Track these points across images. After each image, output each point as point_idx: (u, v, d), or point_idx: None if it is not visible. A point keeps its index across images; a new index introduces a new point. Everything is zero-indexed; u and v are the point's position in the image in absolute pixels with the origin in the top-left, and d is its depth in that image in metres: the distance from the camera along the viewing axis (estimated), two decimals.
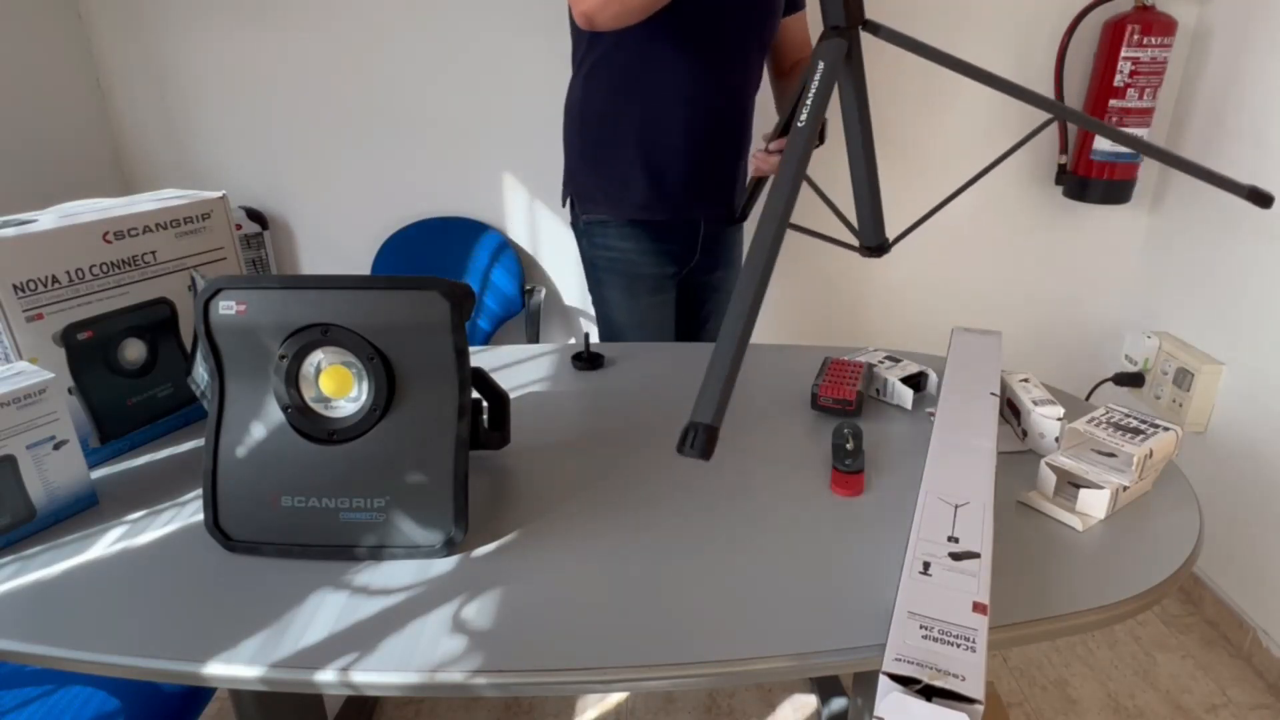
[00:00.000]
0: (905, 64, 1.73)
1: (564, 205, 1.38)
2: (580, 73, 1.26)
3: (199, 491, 0.77)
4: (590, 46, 1.22)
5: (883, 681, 0.50)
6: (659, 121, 1.22)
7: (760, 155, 1.20)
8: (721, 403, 0.63)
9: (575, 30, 1.23)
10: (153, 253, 0.87)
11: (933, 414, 0.84)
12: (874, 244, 1.00)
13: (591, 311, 1.97)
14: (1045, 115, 0.92)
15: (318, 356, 0.67)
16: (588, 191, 1.31)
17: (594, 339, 1.16)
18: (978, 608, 0.55)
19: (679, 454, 0.60)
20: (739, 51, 1.23)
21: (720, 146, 1.28)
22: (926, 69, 1.73)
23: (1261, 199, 0.87)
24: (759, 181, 1.27)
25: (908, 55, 1.80)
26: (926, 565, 0.59)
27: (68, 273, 0.79)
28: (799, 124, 0.75)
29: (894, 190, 1.80)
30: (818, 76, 0.78)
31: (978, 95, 1.75)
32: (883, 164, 0.97)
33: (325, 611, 0.61)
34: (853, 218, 1.01)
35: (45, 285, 0.78)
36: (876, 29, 0.86)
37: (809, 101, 0.77)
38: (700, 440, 0.61)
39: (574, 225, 1.38)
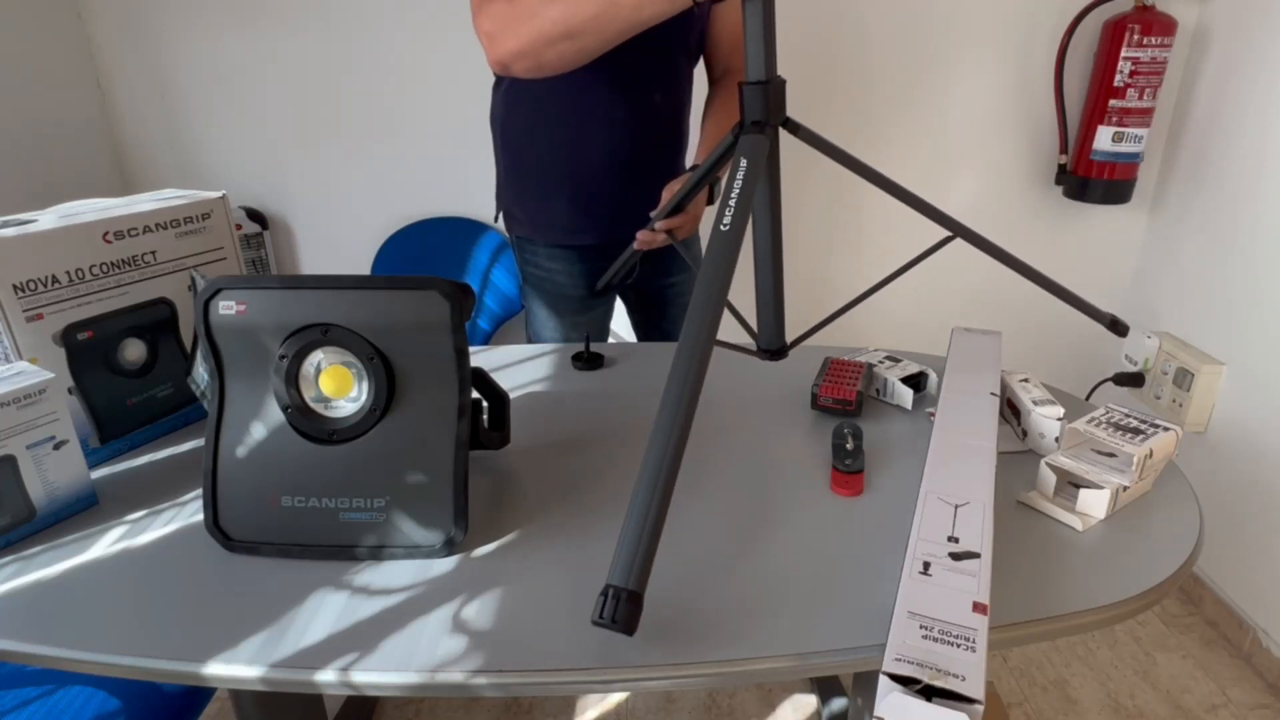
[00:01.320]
0: (890, 72, 1.73)
1: (495, 220, 1.34)
2: (500, 89, 1.21)
3: (199, 491, 0.77)
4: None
5: (883, 681, 0.50)
6: (581, 144, 1.16)
7: (645, 234, 1.07)
8: (645, 564, 0.54)
9: None
10: (153, 253, 0.87)
11: (933, 414, 0.84)
12: (773, 347, 0.93)
13: None
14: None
15: (318, 356, 0.67)
16: (514, 212, 1.28)
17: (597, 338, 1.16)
18: (978, 608, 0.55)
19: (594, 625, 0.52)
20: (663, 66, 1.16)
21: (650, 167, 1.20)
22: (910, 75, 1.74)
23: (1118, 328, 0.90)
24: (635, 254, 1.12)
25: (889, 65, 1.79)
26: (926, 565, 0.59)
27: (68, 273, 0.79)
28: (723, 227, 0.69)
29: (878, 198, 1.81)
30: (741, 174, 0.72)
31: (969, 103, 1.75)
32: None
33: (325, 611, 0.61)
34: (752, 317, 0.95)
35: (45, 285, 0.78)
36: (796, 129, 0.82)
37: (733, 202, 0.71)
38: (623, 610, 0.52)
39: (508, 235, 1.35)
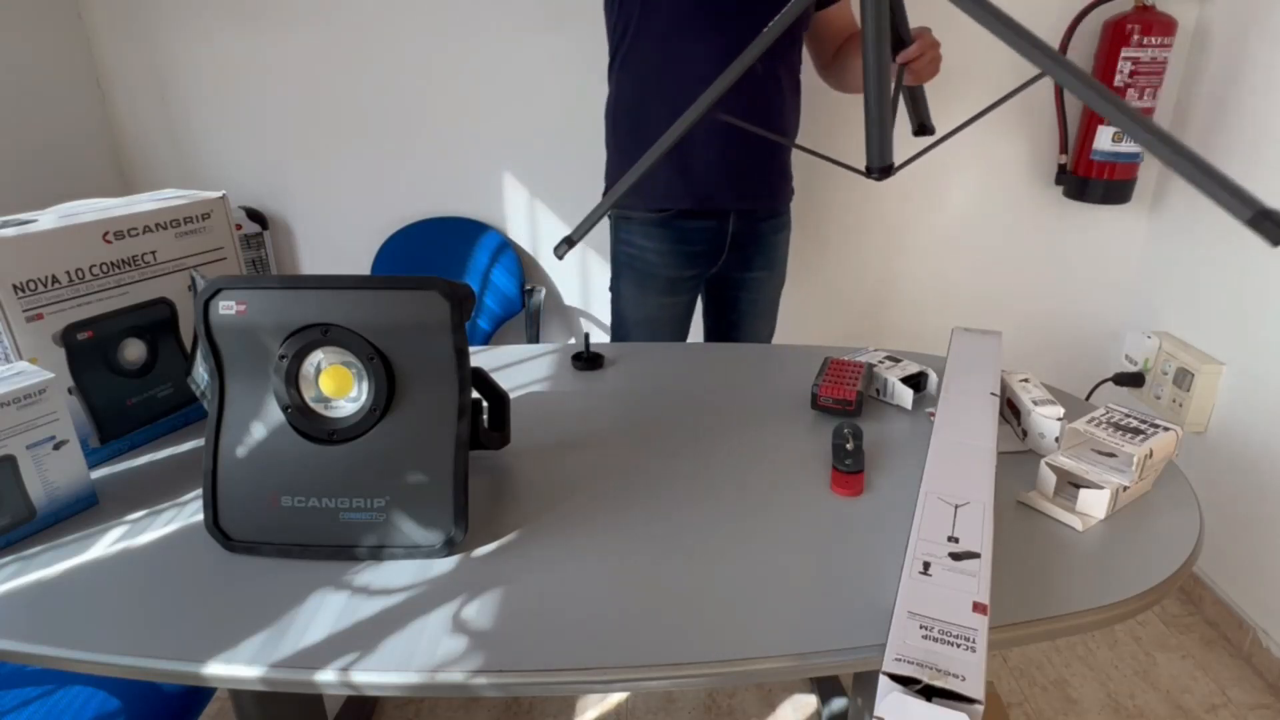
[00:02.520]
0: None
1: None
2: (613, 67, 1.28)
3: (199, 491, 0.77)
4: (620, 39, 1.24)
5: (883, 681, 0.50)
6: (683, 110, 1.22)
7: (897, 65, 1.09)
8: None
9: (609, 24, 1.25)
10: (153, 253, 0.87)
11: (933, 414, 0.84)
12: (878, 165, 0.91)
13: (591, 311, 1.98)
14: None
15: (318, 356, 0.67)
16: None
17: (595, 337, 1.16)
18: (978, 608, 0.55)
19: None
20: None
21: (750, 135, 1.24)
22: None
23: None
24: (911, 91, 1.14)
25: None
26: (926, 565, 0.59)
27: (68, 273, 0.79)
28: None
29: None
30: None
31: (970, 103, 1.75)
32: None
33: (325, 611, 0.61)
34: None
35: (45, 285, 0.78)
36: None
37: None
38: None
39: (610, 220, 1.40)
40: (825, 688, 1.43)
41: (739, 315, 1.43)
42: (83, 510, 0.76)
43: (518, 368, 1.08)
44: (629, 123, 1.28)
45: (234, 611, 0.61)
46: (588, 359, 1.07)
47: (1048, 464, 0.75)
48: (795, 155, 1.39)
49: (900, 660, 0.51)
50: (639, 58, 1.23)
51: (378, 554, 0.67)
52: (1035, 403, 0.83)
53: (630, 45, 1.23)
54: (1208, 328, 1.64)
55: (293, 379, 0.67)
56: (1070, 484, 0.75)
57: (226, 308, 0.66)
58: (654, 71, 1.22)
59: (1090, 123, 1.67)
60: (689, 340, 1.50)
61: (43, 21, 1.67)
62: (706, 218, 1.30)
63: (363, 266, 1.92)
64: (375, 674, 0.55)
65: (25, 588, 0.65)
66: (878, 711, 0.49)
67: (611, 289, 1.43)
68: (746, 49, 0.95)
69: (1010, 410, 0.89)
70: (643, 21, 1.19)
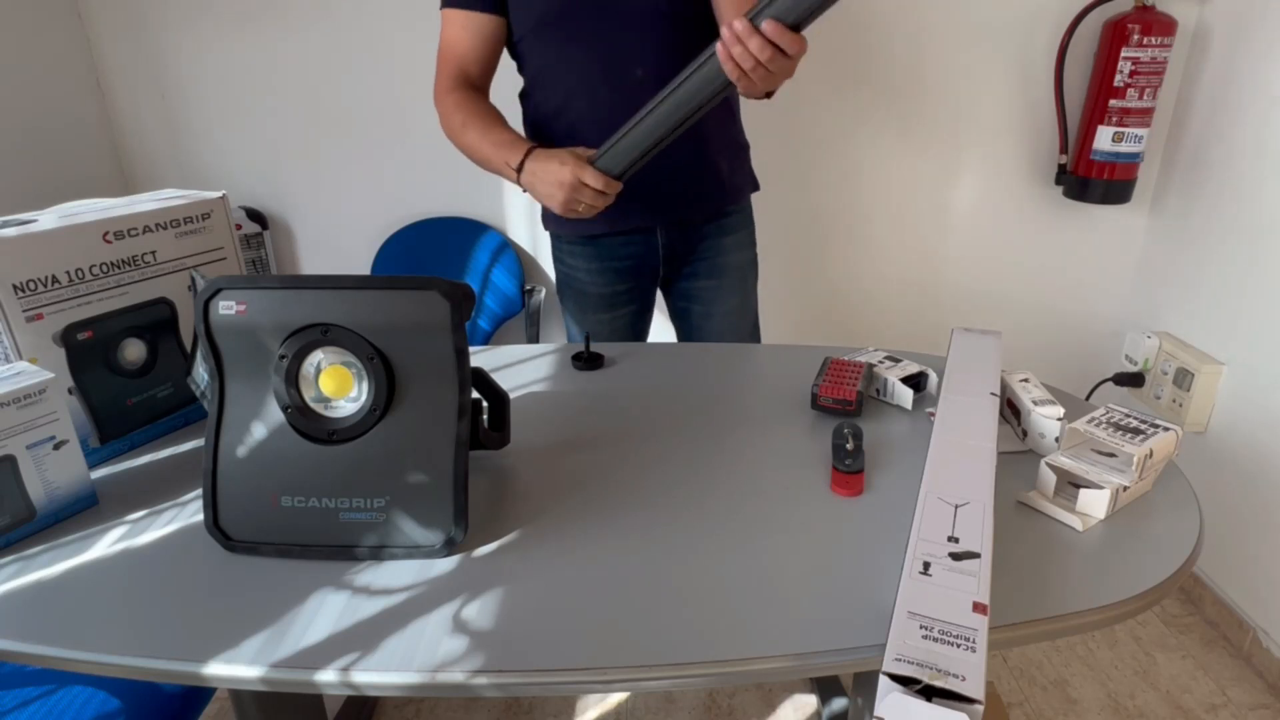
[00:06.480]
0: (900, 41, 1.73)
1: (542, 222, 1.37)
2: (521, 93, 1.25)
3: (199, 491, 0.77)
4: (520, 70, 1.21)
5: (883, 681, 0.50)
6: (578, 134, 1.17)
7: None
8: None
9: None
10: (153, 253, 0.87)
11: (933, 414, 0.84)
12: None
13: None
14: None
15: (318, 356, 0.67)
16: (543, 209, 1.29)
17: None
18: (978, 608, 0.55)
19: None
20: (645, 44, 1.13)
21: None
22: (910, 75, 1.74)
23: None
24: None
25: (890, 65, 1.77)
26: (926, 565, 0.59)
27: (68, 273, 0.79)
28: None
29: (906, 157, 1.82)
30: None
31: (970, 103, 1.75)
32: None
33: (325, 611, 0.61)
34: None
35: (45, 285, 0.78)
36: None
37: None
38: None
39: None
40: (825, 688, 1.43)
41: (693, 330, 1.36)
42: (83, 510, 0.76)
43: (518, 368, 1.08)
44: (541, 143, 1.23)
45: (234, 611, 0.61)
46: (588, 359, 1.07)
47: (1048, 464, 0.75)
48: (773, 147, 1.33)
49: (900, 660, 0.51)
50: (534, 87, 1.20)
51: (378, 554, 0.67)
52: (1035, 403, 0.83)
53: (529, 77, 1.20)
54: (1208, 328, 1.64)
55: (293, 379, 0.67)
56: (1070, 484, 0.75)
57: (226, 308, 0.66)
58: (548, 100, 1.18)
59: (1090, 123, 1.67)
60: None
61: (43, 21, 1.67)
62: (631, 233, 1.25)
63: (363, 266, 1.92)
64: (375, 674, 0.55)
65: (25, 588, 0.65)
66: (878, 711, 0.49)
67: (560, 304, 1.40)
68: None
69: (1010, 410, 0.89)
70: (531, 57, 1.17)
